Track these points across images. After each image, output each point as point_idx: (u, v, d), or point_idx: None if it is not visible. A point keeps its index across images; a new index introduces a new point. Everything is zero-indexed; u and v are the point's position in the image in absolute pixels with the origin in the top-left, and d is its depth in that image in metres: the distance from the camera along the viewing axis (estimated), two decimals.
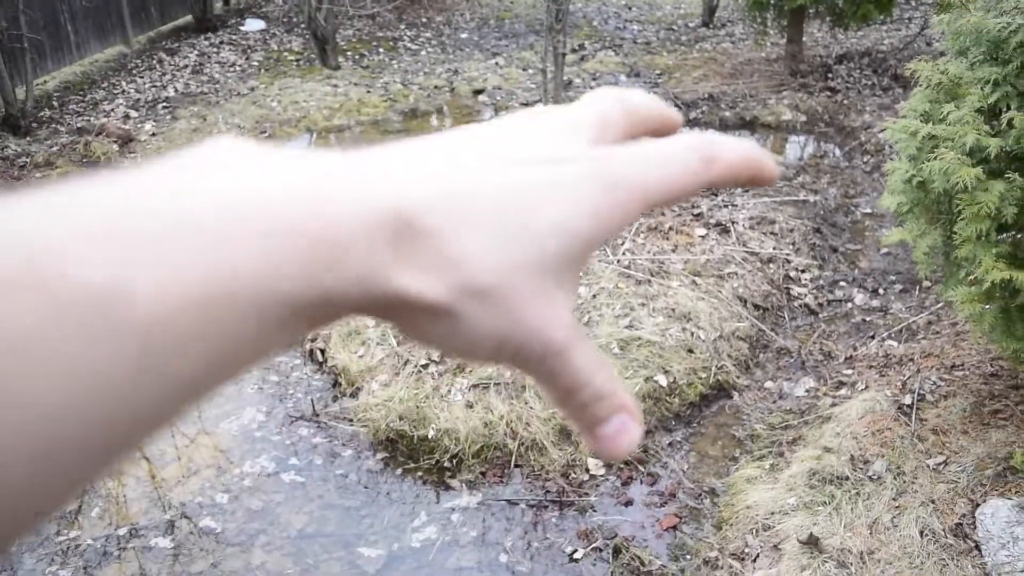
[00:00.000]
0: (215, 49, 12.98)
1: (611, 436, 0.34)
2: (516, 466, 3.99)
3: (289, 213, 0.27)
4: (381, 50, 12.92)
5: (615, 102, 0.37)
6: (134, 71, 11.58)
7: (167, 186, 0.27)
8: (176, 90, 10.72)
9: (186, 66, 11.91)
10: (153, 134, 8.96)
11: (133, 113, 9.71)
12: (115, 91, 10.60)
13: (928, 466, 3.51)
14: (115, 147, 8.17)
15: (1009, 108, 2.89)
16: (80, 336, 0.22)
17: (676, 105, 9.70)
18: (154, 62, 12.04)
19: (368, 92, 10.63)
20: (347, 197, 0.29)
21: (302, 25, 13.24)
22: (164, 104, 10.11)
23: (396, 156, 0.32)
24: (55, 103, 9.97)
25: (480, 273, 0.30)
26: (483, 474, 3.97)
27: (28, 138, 8.67)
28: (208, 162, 0.29)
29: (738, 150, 0.37)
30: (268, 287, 0.26)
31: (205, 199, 0.26)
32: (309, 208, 0.28)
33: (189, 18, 14.13)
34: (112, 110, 9.77)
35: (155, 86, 10.88)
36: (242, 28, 14.25)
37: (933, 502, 3.31)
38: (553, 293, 0.32)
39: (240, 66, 12.07)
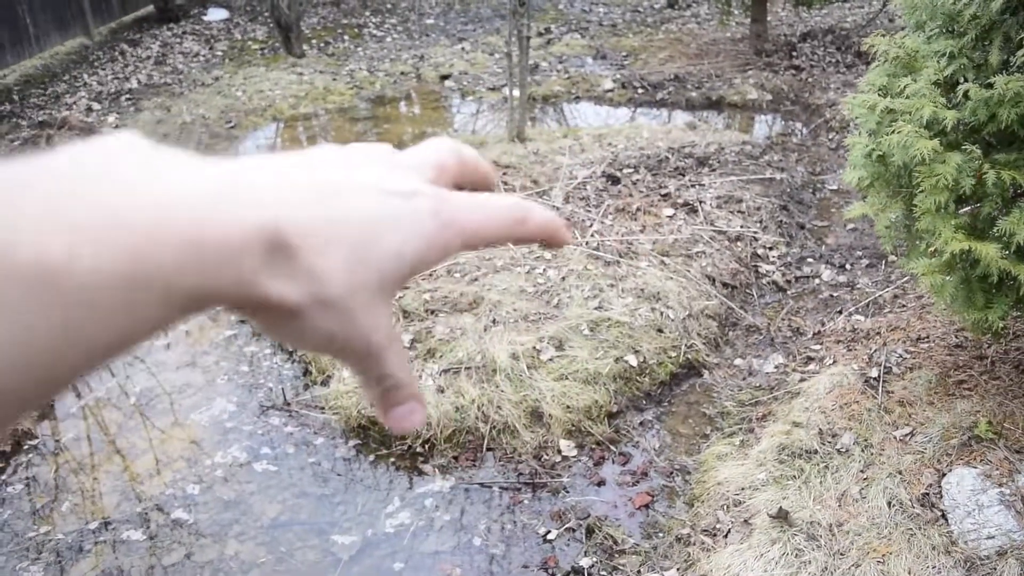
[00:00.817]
0: (178, 39, 12.83)
1: (403, 416, 0.43)
2: (488, 449, 4.00)
3: (197, 219, 0.32)
4: (346, 37, 12.83)
5: (452, 152, 0.46)
6: (96, 63, 11.42)
7: (102, 184, 0.31)
8: (139, 81, 10.59)
9: (149, 57, 11.76)
10: (117, 126, 8.84)
11: (96, 106, 9.58)
12: (77, 84, 10.45)
13: (895, 437, 3.55)
14: (78, 140, 8.05)
15: (965, 80, 2.92)
16: (27, 297, 0.28)
17: (643, 86, 9.72)
18: (116, 54, 11.88)
19: (334, 80, 10.55)
20: (239, 211, 0.34)
21: (265, 13, 13.11)
22: (127, 96, 9.98)
23: (279, 176, 0.37)
24: (15, 97, 9.81)
25: (331, 287, 0.36)
26: (455, 458, 3.98)
27: None
28: (124, 156, 0.34)
29: (544, 218, 0.45)
30: (177, 279, 0.31)
31: (134, 196, 0.31)
32: (212, 217, 0.33)
33: (151, 8, 13.96)
34: (74, 103, 9.64)
35: (118, 78, 10.74)
36: (205, 18, 14.09)
37: (900, 473, 3.35)
38: (381, 305, 0.39)
39: (204, 56, 11.94)
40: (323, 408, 4.31)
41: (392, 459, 4.01)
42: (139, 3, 13.86)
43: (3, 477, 3.97)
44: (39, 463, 4.07)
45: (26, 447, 4.19)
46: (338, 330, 0.38)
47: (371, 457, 4.04)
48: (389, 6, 14.70)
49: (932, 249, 3.00)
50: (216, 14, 14.14)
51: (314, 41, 12.55)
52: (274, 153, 0.39)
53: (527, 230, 0.44)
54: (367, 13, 14.23)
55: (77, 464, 4.06)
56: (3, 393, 0.28)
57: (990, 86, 2.78)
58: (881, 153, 3.07)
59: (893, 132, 2.90)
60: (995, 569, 2.86)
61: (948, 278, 3.12)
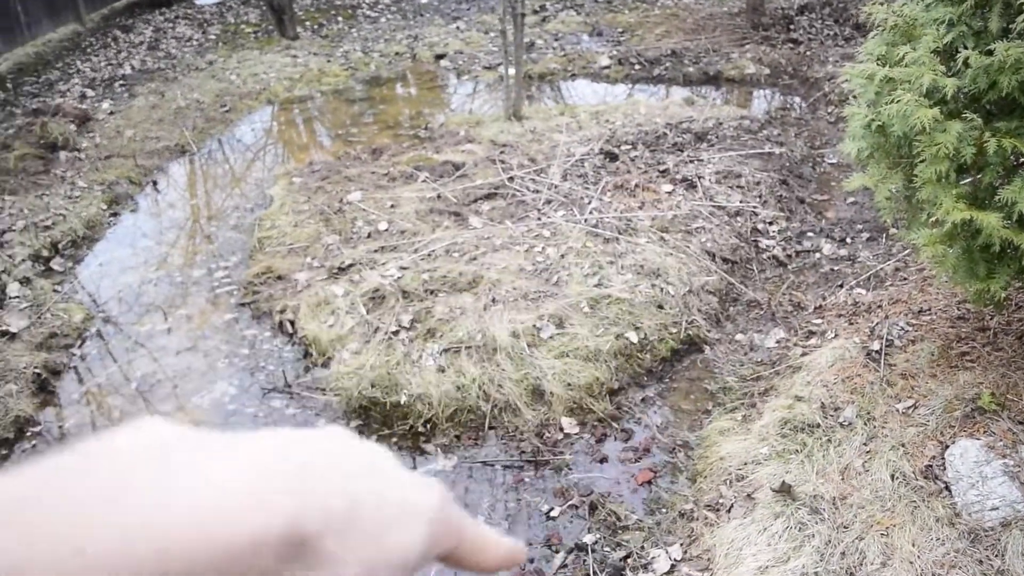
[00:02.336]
0: (170, 24, 12.74)
1: None
2: (490, 428, 4.00)
3: (209, 526, 0.33)
4: (340, 19, 12.74)
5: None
6: (88, 50, 11.34)
7: (111, 505, 0.32)
8: (132, 67, 10.52)
9: (142, 42, 11.69)
10: (111, 112, 8.80)
11: (90, 92, 9.52)
12: (70, 71, 10.39)
13: (897, 410, 3.54)
14: (73, 127, 8.01)
15: (965, 47, 2.88)
16: None
17: (640, 62, 9.65)
18: (109, 40, 11.81)
19: (328, 61, 10.49)
20: (249, 515, 0.34)
21: None
22: (121, 82, 9.92)
23: (292, 463, 0.38)
24: (9, 85, 9.75)
25: (350, 570, 0.37)
26: (457, 437, 3.97)
27: None
28: (136, 466, 0.34)
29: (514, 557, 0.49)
30: None
31: (142, 514, 0.32)
32: (226, 519, 0.33)
33: None
34: (68, 90, 9.58)
35: (111, 64, 10.67)
36: (197, 2, 13.99)
37: (903, 446, 3.34)
38: None
39: (197, 40, 11.86)
40: (324, 390, 4.30)
41: (395, 439, 4.00)
42: None
43: (7, 465, 3.97)
44: (43, 450, 4.07)
45: (29, 434, 4.19)
46: None
47: (373, 437, 4.03)
48: None
49: (933, 219, 2.97)
50: None
51: (308, 23, 12.46)
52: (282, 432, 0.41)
53: (507, 564, 0.48)
54: None
55: None
56: None
57: (990, 53, 2.74)
58: (880, 123, 3.04)
59: (892, 102, 2.87)
60: (999, 540, 2.86)
61: (950, 249, 3.10)
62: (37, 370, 4.56)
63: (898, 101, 2.82)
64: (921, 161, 2.89)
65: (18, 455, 4.03)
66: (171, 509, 0.32)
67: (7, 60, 10.50)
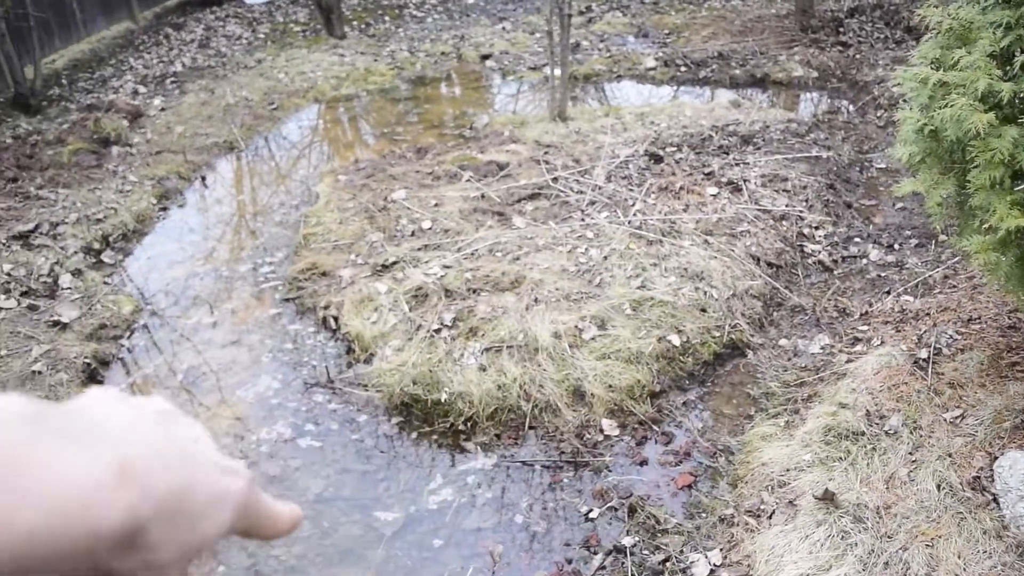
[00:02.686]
0: (221, 23, 12.93)
1: None
2: (530, 428, 4.00)
3: (59, 532, 0.36)
4: (386, 18, 12.83)
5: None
6: (141, 47, 11.55)
7: None
8: (184, 65, 10.69)
9: (193, 40, 11.87)
10: (162, 109, 8.95)
11: (142, 89, 9.69)
12: (123, 67, 10.58)
13: (945, 420, 3.48)
14: (125, 123, 8.17)
15: (1022, 52, 2.83)
16: None
17: (686, 64, 9.57)
18: (161, 37, 12.01)
19: (375, 61, 10.57)
20: (100, 516, 0.38)
21: None
22: (172, 79, 10.08)
23: (125, 465, 0.40)
24: (64, 81, 9.96)
25: (162, 556, 0.41)
26: (497, 436, 3.98)
27: (39, 116, 8.68)
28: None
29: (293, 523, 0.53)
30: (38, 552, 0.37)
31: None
32: (74, 531, 0.37)
33: None
34: (121, 86, 9.76)
35: (163, 61, 10.85)
36: (247, 1, 14.17)
37: (950, 456, 3.28)
38: (193, 558, 0.45)
39: (246, 39, 12.01)
40: (366, 386, 4.34)
41: (435, 436, 4.02)
42: None
43: None
44: None
45: None
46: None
47: (414, 434, 4.06)
48: None
49: (986, 226, 2.92)
50: None
51: (355, 23, 12.57)
52: (126, 401, 0.45)
53: (290, 531, 0.53)
54: None
55: None
56: None
57: None
58: (933, 128, 2.99)
59: (946, 106, 2.83)
60: None
61: (1002, 256, 3.04)
62: (87, 360, 4.65)
63: (952, 105, 2.77)
64: (975, 167, 2.84)
65: None
66: (21, 506, 0.35)
67: (63, 56, 10.73)
